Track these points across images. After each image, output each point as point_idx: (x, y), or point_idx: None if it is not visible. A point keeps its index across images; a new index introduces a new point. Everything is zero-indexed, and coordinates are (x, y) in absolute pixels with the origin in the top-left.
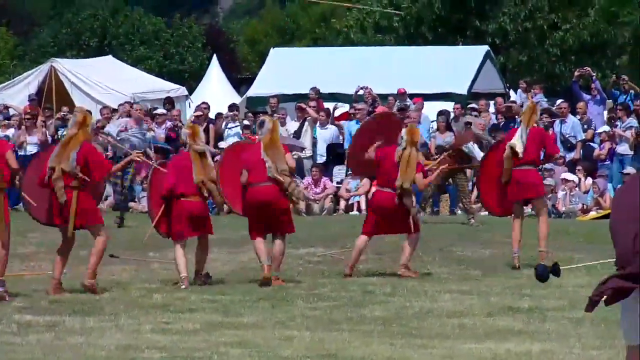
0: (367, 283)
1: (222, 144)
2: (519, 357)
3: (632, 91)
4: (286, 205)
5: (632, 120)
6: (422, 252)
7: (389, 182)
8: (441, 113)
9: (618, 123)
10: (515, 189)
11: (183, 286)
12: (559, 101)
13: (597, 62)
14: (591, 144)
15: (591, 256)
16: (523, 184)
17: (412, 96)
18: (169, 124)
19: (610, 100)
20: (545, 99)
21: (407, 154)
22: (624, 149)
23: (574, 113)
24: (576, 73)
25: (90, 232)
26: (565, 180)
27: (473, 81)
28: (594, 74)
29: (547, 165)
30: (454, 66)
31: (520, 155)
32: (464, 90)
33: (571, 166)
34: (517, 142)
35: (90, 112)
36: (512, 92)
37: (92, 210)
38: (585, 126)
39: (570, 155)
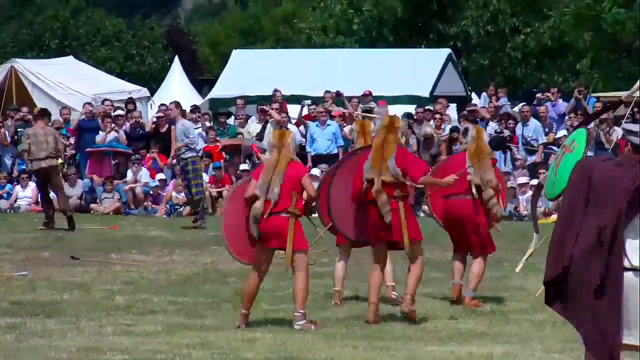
0: (330, 285)
1: None
2: (481, 359)
3: (590, 95)
4: (484, 222)
5: (591, 124)
6: None
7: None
8: (406, 116)
9: None
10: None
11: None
12: (520, 104)
13: (558, 66)
14: (553, 147)
15: None
16: None
17: (375, 99)
18: (128, 125)
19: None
20: (509, 103)
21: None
22: None
23: (536, 117)
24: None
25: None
26: (523, 184)
27: (435, 84)
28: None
29: (505, 169)
30: (416, 69)
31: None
32: (426, 93)
33: (532, 169)
34: None
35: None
36: (474, 95)
37: (415, 222)
38: (546, 129)
39: (532, 159)
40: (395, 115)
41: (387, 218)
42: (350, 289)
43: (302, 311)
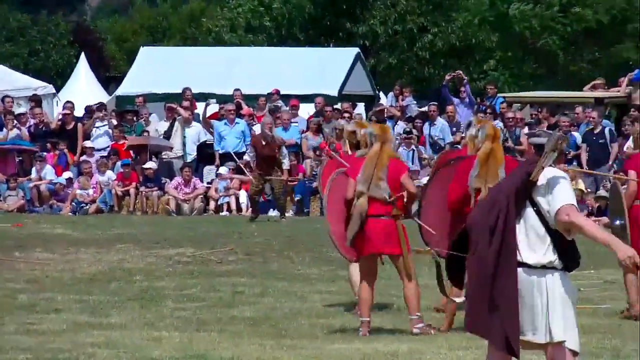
0: (237, 284)
1: (88, 143)
2: (386, 357)
3: (498, 95)
4: None
5: (498, 123)
6: (292, 253)
7: None
8: (315, 115)
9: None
10: None
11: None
12: (429, 104)
13: (466, 66)
14: (459, 146)
15: None
16: None
17: (283, 97)
18: (32, 122)
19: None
20: (415, 102)
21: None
22: None
23: (444, 116)
24: (447, 77)
25: None
26: None
27: (343, 83)
28: (466, 78)
29: (413, 167)
30: (324, 68)
31: None
32: (334, 92)
33: None
34: None
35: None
36: (381, 95)
37: None
38: (454, 129)
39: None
40: (496, 124)
41: None
42: (258, 286)
43: (419, 314)
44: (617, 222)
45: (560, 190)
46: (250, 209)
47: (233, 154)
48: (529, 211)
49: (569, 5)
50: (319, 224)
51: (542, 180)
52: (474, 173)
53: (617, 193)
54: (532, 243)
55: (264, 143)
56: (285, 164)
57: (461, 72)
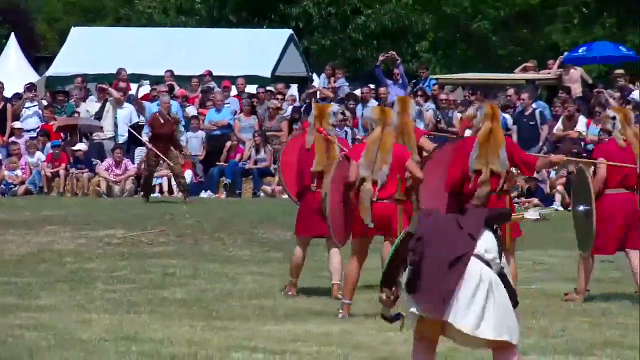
0: (168, 265)
1: (17, 124)
2: (318, 337)
3: (430, 77)
4: None
5: (430, 104)
6: (224, 234)
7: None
8: (249, 96)
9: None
10: None
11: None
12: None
13: (398, 48)
14: None
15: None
16: None
17: (216, 78)
18: None
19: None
20: (347, 84)
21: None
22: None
23: (377, 98)
24: (381, 57)
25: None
26: None
27: (277, 64)
28: (399, 59)
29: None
30: (257, 49)
31: None
32: (267, 74)
33: None
34: None
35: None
36: (315, 76)
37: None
38: None
39: None
40: (494, 104)
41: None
42: (189, 268)
43: None
44: (582, 208)
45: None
46: (180, 192)
47: (131, 128)
48: None
49: None
50: (250, 205)
51: None
52: (474, 154)
53: (584, 179)
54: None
55: (162, 121)
56: (183, 142)
57: (394, 52)
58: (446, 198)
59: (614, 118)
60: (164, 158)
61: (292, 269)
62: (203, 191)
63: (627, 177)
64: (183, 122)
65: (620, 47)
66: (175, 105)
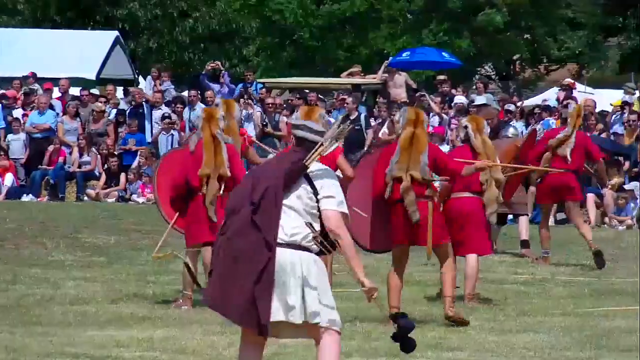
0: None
1: None
2: (140, 343)
3: (257, 81)
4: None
5: (257, 108)
6: (46, 239)
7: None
8: (72, 98)
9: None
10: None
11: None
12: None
13: (226, 51)
14: None
15: None
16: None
17: (39, 80)
18: None
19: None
20: (173, 87)
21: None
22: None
23: (204, 102)
24: (207, 67)
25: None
26: None
27: (102, 66)
28: (223, 69)
29: None
30: (82, 51)
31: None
32: (92, 76)
33: None
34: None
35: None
36: (141, 79)
37: (442, 225)
38: None
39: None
40: (417, 107)
41: (414, 218)
42: (9, 273)
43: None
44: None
45: (332, 190)
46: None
47: None
48: (299, 193)
49: None
50: (73, 209)
51: (313, 169)
52: (395, 160)
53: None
54: (293, 223)
55: None
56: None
57: (219, 62)
58: (372, 204)
59: (466, 127)
60: None
61: (187, 282)
62: (25, 195)
63: (472, 183)
64: (4, 125)
65: (443, 53)
66: None
